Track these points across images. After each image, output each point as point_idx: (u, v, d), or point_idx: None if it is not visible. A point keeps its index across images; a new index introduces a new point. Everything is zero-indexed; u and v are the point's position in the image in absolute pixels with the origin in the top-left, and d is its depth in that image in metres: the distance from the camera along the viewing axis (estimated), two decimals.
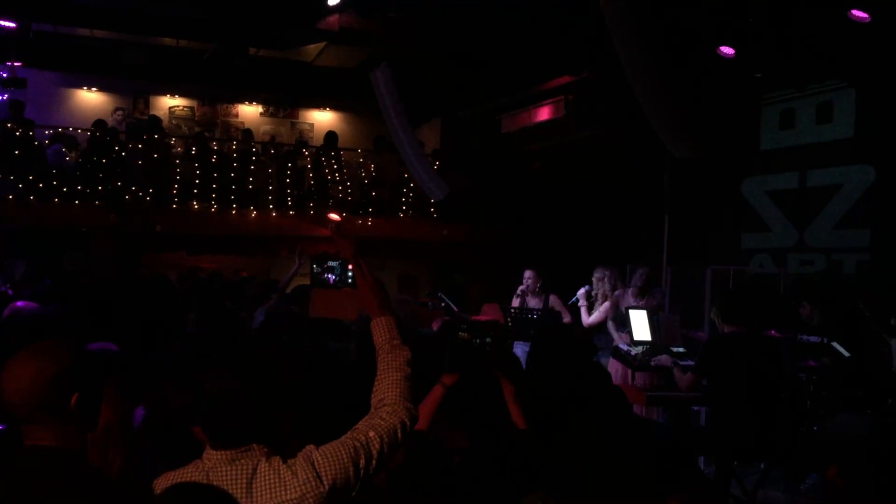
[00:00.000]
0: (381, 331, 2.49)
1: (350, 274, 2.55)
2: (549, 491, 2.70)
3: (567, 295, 8.14)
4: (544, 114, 11.77)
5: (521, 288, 8.18)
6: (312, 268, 2.49)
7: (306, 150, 14.03)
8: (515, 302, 8.20)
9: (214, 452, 2.18)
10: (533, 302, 8.12)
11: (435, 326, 5.44)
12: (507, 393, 2.93)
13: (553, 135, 12.18)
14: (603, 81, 10.50)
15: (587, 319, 7.82)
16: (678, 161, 9.30)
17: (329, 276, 2.60)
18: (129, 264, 11.63)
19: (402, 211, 13.87)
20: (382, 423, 2.30)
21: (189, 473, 2.18)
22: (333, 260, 2.62)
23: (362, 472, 2.21)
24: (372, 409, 2.37)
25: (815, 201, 9.40)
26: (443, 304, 9.45)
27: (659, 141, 7.96)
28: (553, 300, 8.07)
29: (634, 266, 7.96)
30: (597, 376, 3.54)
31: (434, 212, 13.77)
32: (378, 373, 2.44)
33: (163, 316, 4.96)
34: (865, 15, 7.58)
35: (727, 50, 8.85)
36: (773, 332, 6.79)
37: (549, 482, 2.73)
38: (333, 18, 10.82)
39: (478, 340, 2.87)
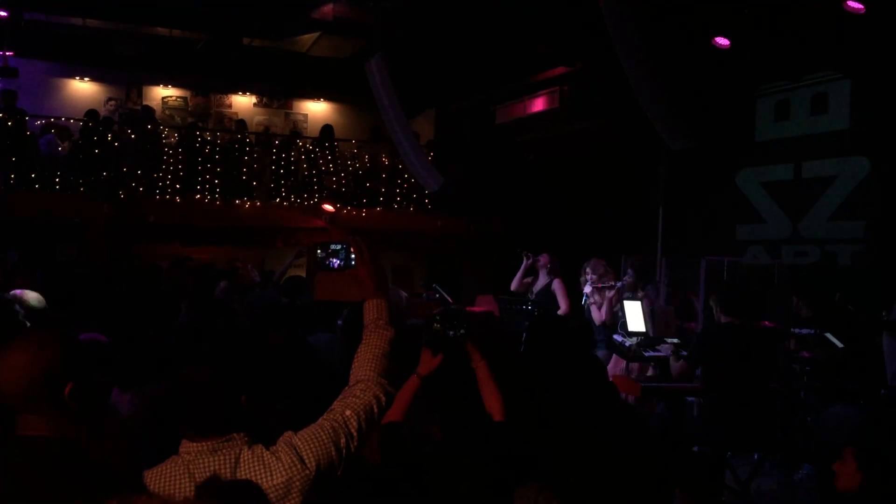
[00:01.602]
0: (371, 311, 2.54)
1: (353, 256, 2.58)
2: (544, 482, 2.69)
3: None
4: (539, 105, 11.75)
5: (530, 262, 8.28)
6: (317, 252, 2.50)
7: (300, 141, 13.99)
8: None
9: (194, 444, 2.16)
10: (541, 281, 8.20)
11: None
12: (484, 388, 2.91)
13: (548, 126, 12.16)
14: (598, 72, 10.48)
15: (600, 316, 7.74)
16: (673, 152, 9.29)
17: (333, 260, 2.62)
18: (122, 255, 11.60)
19: (397, 202, 13.85)
20: (357, 400, 2.32)
21: (168, 469, 2.16)
22: (337, 244, 2.63)
23: (344, 451, 2.23)
24: (346, 388, 2.38)
25: (810, 192, 9.41)
26: (437, 296, 9.43)
27: (654, 132, 7.96)
28: (556, 284, 8.09)
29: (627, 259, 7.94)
30: (589, 369, 3.53)
31: (428, 203, 13.75)
32: (359, 349, 2.47)
33: (152, 307, 4.95)
34: (861, 6, 7.57)
35: (722, 41, 8.84)
36: (766, 323, 6.79)
37: (544, 473, 2.72)
38: (328, 8, 10.75)
39: (451, 332, 2.86)
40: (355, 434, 2.26)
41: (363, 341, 2.47)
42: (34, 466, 1.86)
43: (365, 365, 2.41)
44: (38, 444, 1.90)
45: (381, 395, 2.35)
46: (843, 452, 2.70)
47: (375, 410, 2.32)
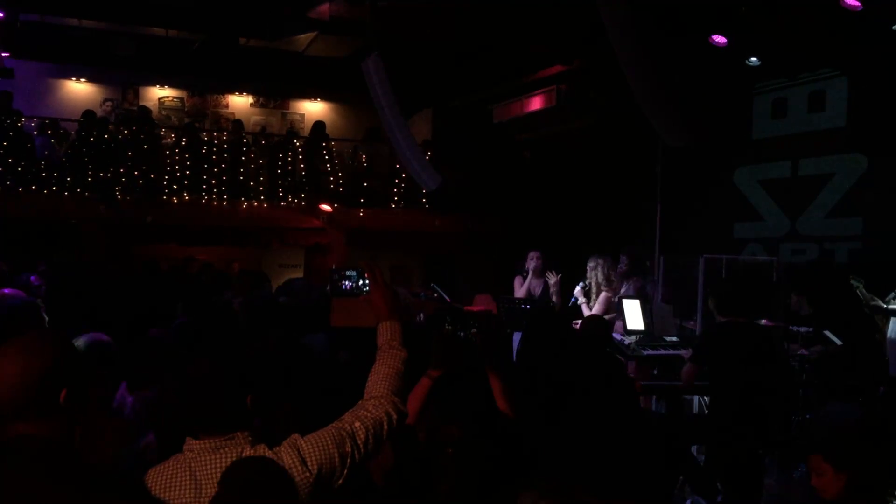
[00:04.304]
0: (385, 333, 2.58)
1: (366, 281, 2.63)
2: (543, 489, 2.68)
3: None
4: (536, 103, 11.73)
5: (529, 266, 8.16)
6: (332, 277, 2.59)
7: (297, 141, 13.98)
8: (518, 285, 8.22)
9: (197, 442, 2.18)
10: (535, 284, 8.14)
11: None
12: (495, 388, 2.92)
13: (545, 124, 12.15)
14: (595, 70, 10.47)
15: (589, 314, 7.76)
16: (670, 150, 9.29)
17: (346, 283, 2.69)
18: (120, 256, 11.58)
19: (394, 201, 13.84)
20: (368, 414, 2.35)
21: (170, 467, 2.17)
22: (351, 269, 2.73)
23: (348, 459, 2.25)
24: (359, 402, 2.41)
25: (808, 190, 9.41)
26: (435, 295, 9.42)
27: (651, 130, 7.94)
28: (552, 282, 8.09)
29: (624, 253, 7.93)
30: (600, 366, 3.52)
31: (426, 202, 13.74)
32: (373, 368, 2.50)
33: (153, 304, 4.95)
34: (858, 3, 7.57)
35: (719, 38, 8.84)
36: (764, 320, 6.79)
37: (544, 474, 2.71)
38: (324, 7, 10.75)
39: (462, 333, 2.86)
40: (361, 445, 2.28)
41: (377, 361, 2.51)
42: (25, 467, 1.84)
43: (379, 383, 2.44)
44: (30, 444, 1.88)
45: (393, 413, 2.38)
46: (812, 464, 2.62)
47: (385, 427, 2.35)
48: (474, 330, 2.88)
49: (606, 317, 7.52)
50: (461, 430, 2.63)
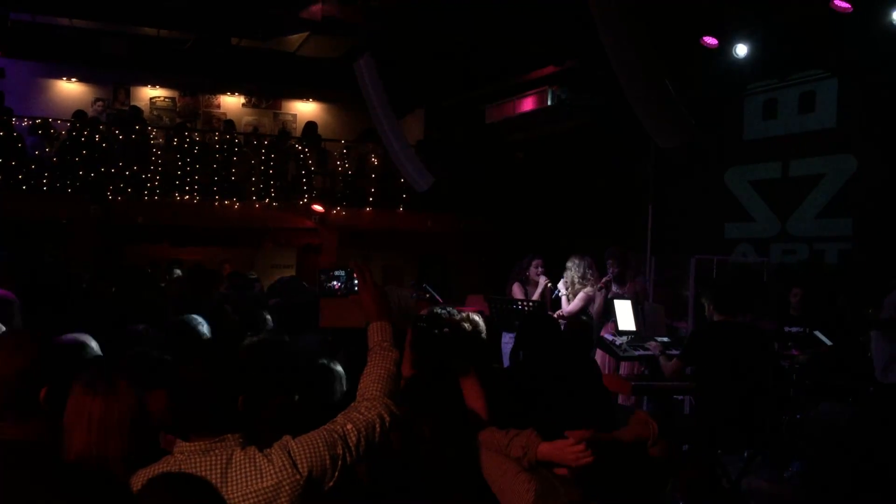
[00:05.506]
0: (376, 334, 2.57)
1: (355, 282, 2.62)
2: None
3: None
4: (528, 104, 11.74)
5: (544, 280, 8.15)
6: (320, 277, 2.59)
7: (289, 141, 13.96)
8: (518, 291, 8.24)
9: (187, 445, 2.17)
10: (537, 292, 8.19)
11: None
12: (473, 388, 2.91)
13: (537, 125, 12.16)
14: (587, 71, 10.49)
15: (567, 308, 7.87)
16: (662, 151, 9.31)
17: (334, 283, 2.68)
18: (111, 257, 11.53)
19: (387, 202, 13.82)
20: (360, 416, 2.34)
21: (160, 469, 2.14)
22: (339, 269, 2.72)
23: (339, 461, 2.23)
24: (352, 404, 2.41)
25: (798, 191, 9.44)
26: (427, 295, 9.41)
27: (642, 131, 7.96)
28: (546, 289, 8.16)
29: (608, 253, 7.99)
30: (583, 369, 3.52)
31: (418, 202, 13.74)
32: (365, 370, 2.49)
33: (141, 305, 4.93)
34: (848, 5, 7.61)
35: (710, 40, 8.87)
36: (756, 321, 6.81)
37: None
38: (316, 8, 10.71)
39: (436, 331, 2.86)
40: (353, 448, 2.27)
41: (369, 363, 2.50)
42: (5, 470, 1.84)
43: (371, 385, 2.43)
44: (10, 448, 1.88)
45: (386, 416, 2.37)
46: None
47: (378, 429, 2.34)
48: (446, 329, 2.87)
49: (584, 317, 7.64)
50: (432, 431, 2.63)
